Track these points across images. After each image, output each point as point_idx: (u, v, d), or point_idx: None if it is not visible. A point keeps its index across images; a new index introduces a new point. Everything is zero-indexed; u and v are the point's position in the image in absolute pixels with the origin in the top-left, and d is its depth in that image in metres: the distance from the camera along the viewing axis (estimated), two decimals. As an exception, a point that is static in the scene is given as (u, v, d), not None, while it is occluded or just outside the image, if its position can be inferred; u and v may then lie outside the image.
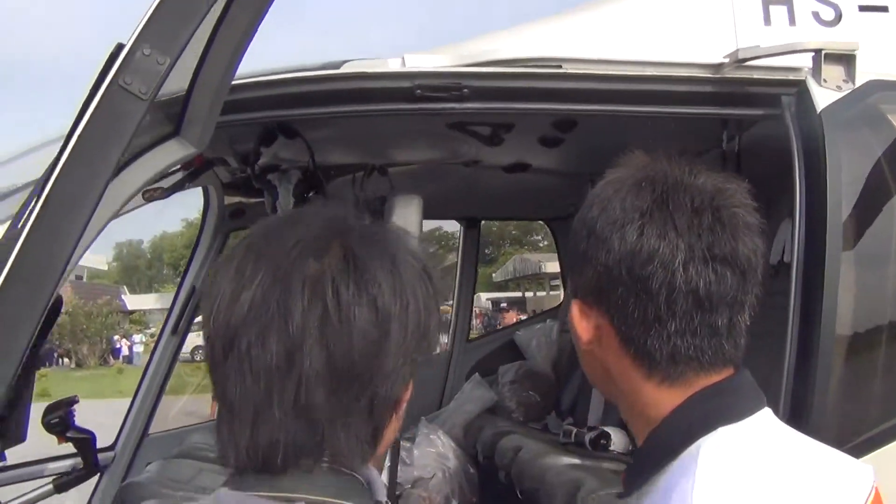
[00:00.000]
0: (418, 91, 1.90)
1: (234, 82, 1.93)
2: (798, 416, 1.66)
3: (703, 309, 0.83)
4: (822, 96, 1.82)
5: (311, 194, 2.56)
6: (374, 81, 1.93)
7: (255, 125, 2.36)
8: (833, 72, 1.83)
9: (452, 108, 1.92)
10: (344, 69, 1.96)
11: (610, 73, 1.94)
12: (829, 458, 0.93)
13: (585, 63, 1.95)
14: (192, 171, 2.69)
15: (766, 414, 0.91)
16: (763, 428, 0.89)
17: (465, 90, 1.90)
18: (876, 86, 1.86)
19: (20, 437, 2.12)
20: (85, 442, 2.06)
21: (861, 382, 1.78)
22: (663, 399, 0.88)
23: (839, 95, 1.83)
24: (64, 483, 2.06)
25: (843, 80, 1.84)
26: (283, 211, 2.53)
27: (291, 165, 2.69)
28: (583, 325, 0.89)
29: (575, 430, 2.97)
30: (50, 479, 2.06)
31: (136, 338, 29.27)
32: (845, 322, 1.71)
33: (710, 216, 0.84)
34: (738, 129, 2.37)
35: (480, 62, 1.95)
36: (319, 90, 1.93)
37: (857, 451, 1.62)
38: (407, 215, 2.12)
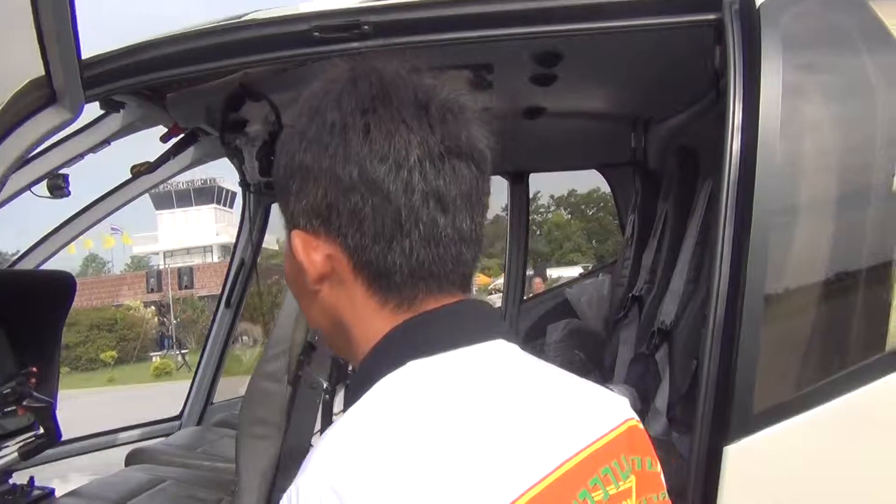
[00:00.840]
0: (317, 33, 1.76)
1: (133, 45, 1.90)
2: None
3: (446, 211, 0.72)
4: (765, -12, 1.50)
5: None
6: (270, 28, 1.80)
7: (207, 89, 2.31)
8: (780, -44, 1.49)
9: (355, 48, 1.77)
10: (243, 19, 1.85)
11: (526, -11, 1.70)
12: (560, 392, 0.76)
13: (500, -18, 1.73)
14: (178, 144, 2.69)
15: (491, 346, 0.75)
16: (471, 362, 0.72)
17: (366, 27, 1.74)
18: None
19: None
20: (44, 410, 2.11)
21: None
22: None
23: (787, -15, 1.49)
24: (28, 451, 2.12)
25: (793, -34, 1.49)
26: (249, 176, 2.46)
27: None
28: (312, 258, 0.74)
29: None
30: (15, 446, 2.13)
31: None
32: (778, 257, 1.41)
33: (439, 107, 0.73)
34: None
35: (384, -5, 1.78)
36: (219, 43, 1.83)
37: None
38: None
